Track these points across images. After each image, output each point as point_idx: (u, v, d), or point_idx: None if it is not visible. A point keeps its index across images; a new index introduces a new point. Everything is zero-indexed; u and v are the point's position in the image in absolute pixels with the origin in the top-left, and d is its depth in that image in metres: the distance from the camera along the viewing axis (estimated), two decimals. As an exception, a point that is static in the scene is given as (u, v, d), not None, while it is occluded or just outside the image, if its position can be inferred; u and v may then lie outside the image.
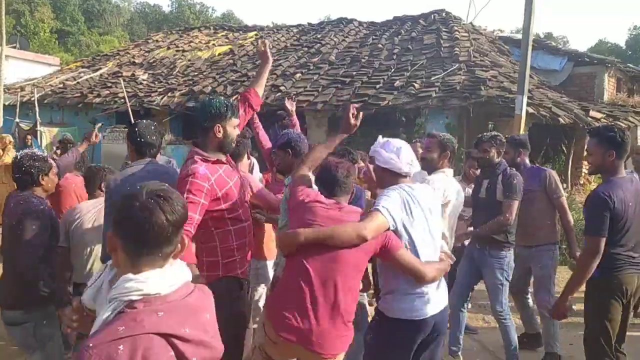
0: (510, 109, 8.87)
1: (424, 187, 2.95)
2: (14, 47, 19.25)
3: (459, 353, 4.47)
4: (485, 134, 4.55)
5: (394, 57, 11.91)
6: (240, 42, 16.08)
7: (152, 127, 3.21)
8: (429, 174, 3.77)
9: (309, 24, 16.82)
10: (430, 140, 3.84)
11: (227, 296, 2.69)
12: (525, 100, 8.81)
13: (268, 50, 3.41)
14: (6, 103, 13.45)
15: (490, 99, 8.96)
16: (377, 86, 10.30)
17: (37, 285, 3.01)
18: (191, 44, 16.78)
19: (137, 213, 1.40)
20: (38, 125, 12.33)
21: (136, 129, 3.17)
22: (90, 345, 1.29)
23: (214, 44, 16.24)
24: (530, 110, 9.08)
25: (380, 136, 2.98)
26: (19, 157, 3.36)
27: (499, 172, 4.29)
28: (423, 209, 2.72)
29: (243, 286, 2.87)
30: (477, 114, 9.10)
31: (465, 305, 4.60)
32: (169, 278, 1.43)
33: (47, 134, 12.24)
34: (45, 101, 13.39)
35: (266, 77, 3.47)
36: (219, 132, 2.79)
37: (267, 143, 4.67)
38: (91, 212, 3.83)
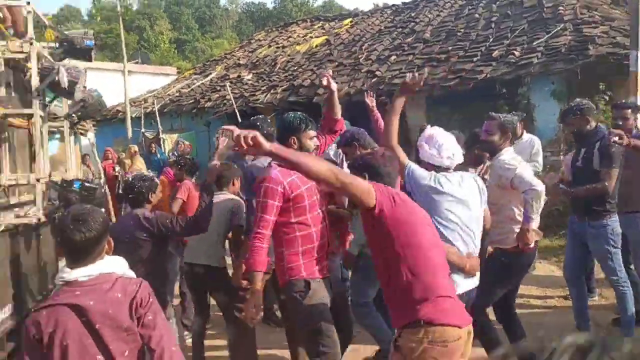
0: (625, 67, 8.15)
1: (467, 178, 3.05)
2: (137, 63, 21.11)
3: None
4: (574, 103, 4.37)
5: (492, 25, 11.37)
6: (336, 30, 16.26)
7: (267, 122, 3.98)
8: (491, 156, 3.77)
9: (403, 3, 16.53)
10: (489, 123, 3.77)
11: (294, 298, 2.99)
12: (640, 55, 8.05)
13: (331, 82, 3.50)
14: (132, 115, 14.91)
15: (601, 58, 8.30)
16: (475, 59, 9.94)
17: None
18: (290, 39, 17.28)
19: (63, 233, 2.06)
20: (160, 133, 13.53)
21: (258, 124, 3.81)
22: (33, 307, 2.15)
23: (311, 37, 16.59)
24: (649, 65, 8.27)
25: (428, 126, 3.05)
26: (130, 179, 3.85)
27: (597, 140, 4.15)
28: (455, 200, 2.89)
29: (310, 285, 3.00)
30: (588, 76, 8.45)
31: (584, 281, 4.48)
32: (87, 271, 2.06)
33: (169, 140, 13.38)
34: (165, 110, 14.61)
35: (337, 102, 3.60)
36: (294, 143, 3.08)
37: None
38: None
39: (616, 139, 3.72)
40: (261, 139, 1.93)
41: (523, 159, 5.99)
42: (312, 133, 3.16)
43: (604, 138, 4.13)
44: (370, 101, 5.01)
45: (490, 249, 3.78)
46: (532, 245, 3.57)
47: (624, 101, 4.81)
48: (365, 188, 2.30)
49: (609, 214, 4.19)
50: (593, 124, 4.25)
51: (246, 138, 1.90)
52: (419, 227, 2.40)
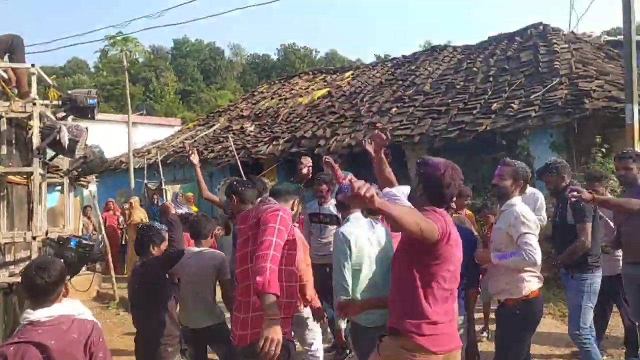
0: (621, 120, 8.25)
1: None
2: (141, 114, 21.49)
3: None
4: (550, 162, 4.60)
5: (490, 79, 11.58)
6: (338, 83, 16.58)
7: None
8: (500, 201, 3.81)
9: (403, 56, 16.91)
10: (503, 169, 3.78)
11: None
12: (636, 108, 8.13)
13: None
14: (136, 166, 15.05)
15: (597, 112, 8.40)
16: (474, 111, 10.07)
17: None
18: (292, 91, 17.61)
19: (27, 279, 2.47)
20: (163, 185, 13.59)
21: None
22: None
23: (313, 89, 16.90)
24: (645, 118, 8.37)
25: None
26: (140, 226, 3.94)
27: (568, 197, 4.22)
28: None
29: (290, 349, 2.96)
30: (585, 129, 8.54)
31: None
32: (48, 312, 2.43)
33: (171, 191, 13.43)
34: (168, 161, 14.74)
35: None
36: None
37: None
38: None
39: (574, 193, 3.81)
40: (375, 194, 2.10)
41: None
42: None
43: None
44: (370, 147, 5.04)
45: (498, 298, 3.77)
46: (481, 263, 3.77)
47: (625, 151, 4.87)
48: (434, 231, 2.51)
49: (591, 268, 4.26)
50: (567, 180, 4.40)
51: (366, 191, 2.06)
52: (451, 265, 2.66)
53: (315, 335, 4.33)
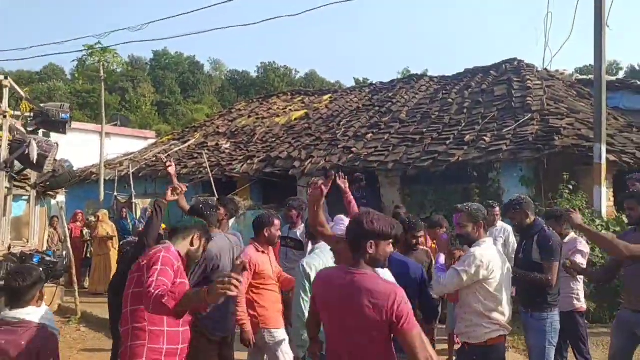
0: (589, 158, 8.50)
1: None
2: (116, 125, 21.23)
3: None
4: (514, 198, 4.67)
5: (465, 111, 11.82)
6: (316, 105, 16.69)
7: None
8: (469, 246, 3.80)
9: (381, 83, 17.16)
10: (458, 216, 3.85)
11: None
12: (604, 147, 8.42)
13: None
14: (107, 178, 14.78)
15: (566, 149, 8.63)
16: (448, 142, 10.25)
17: None
18: (270, 110, 17.65)
19: (6, 281, 2.92)
20: (133, 198, 13.37)
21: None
22: None
23: (290, 109, 16.98)
24: (612, 157, 8.64)
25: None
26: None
27: (535, 232, 4.36)
28: None
29: None
30: (554, 165, 8.76)
31: None
32: (17, 314, 2.81)
33: (140, 205, 13.23)
34: (140, 174, 14.52)
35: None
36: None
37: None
38: None
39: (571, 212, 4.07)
40: None
41: (497, 246, 6.19)
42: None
43: (542, 230, 4.40)
44: (343, 183, 5.01)
45: (457, 339, 3.79)
46: None
47: (630, 191, 5.04)
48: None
49: (550, 307, 4.29)
50: (532, 217, 4.48)
51: None
52: None
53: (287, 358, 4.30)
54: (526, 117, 10.04)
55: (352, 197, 5.14)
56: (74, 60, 14.60)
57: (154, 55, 61.60)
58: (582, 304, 5.12)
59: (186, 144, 16.37)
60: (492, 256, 3.69)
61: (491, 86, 12.87)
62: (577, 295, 5.07)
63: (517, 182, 8.96)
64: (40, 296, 2.93)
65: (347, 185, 5.06)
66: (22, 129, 4.23)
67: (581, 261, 4.90)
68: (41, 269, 3.91)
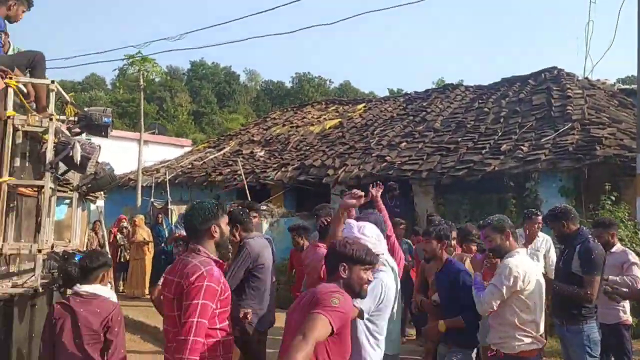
0: (632, 168, 8.24)
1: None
2: (153, 133, 21.70)
3: None
4: (555, 207, 4.60)
5: (501, 120, 11.64)
6: (350, 114, 16.72)
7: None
8: (502, 259, 3.71)
9: (415, 92, 17.08)
10: (484, 231, 3.84)
11: None
12: (646, 158, 8.15)
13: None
14: (144, 184, 15.12)
15: (608, 159, 8.39)
16: (483, 151, 10.10)
17: None
18: (304, 119, 17.76)
19: (80, 263, 3.63)
20: (169, 204, 13.63)
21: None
22: None
23: (325, 118, 17.05)
24: (656, 168, 8.35)
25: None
26: None
27: (578, 243, 4.24)
28: None
29: None
30: (595, 175, 8.54)
31: None
32: (87, 288, 3.49)
33: (176, 211, 13.46)
34: (176, 181, 14.80)
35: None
36: (215, 231, 2.88)
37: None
38: None
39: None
40: None
41: (539, 256, 6.07)
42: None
43: (586, 241, 4.25)
44: (376, 191, 4.99)
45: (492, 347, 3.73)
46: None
47: None
48: None
49: (585, 319, 4.16)
50: (572, 227, 4.36)
51: None
52: None
53: None
54: (566, 127, 9.82)
55: (382, 205, 5.08)
56: (115, 70, 15.04)
57: (191, 66, 62.90)
58: (627, 317, 4.94)
59: (221, 152, 16.60)
60: (527, 267, 3.65)
61: (529, 95, 12.65)
62: (623, 307, 4.90)
63: (556, 192, 8.75)
64: (105, 277, 3.62)
65: (379, 193, 5.02)
66: (67, 132, 4.37)
67: (638, 273, 4.73)
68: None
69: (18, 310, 4.08)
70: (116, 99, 46.23)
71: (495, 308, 3.63)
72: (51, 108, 4.08)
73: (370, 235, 3.13)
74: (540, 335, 3.68)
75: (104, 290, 3.59)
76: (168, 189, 13.98)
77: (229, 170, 14.19)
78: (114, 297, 3.63)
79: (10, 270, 4.09)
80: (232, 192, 13.35)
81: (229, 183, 13.48)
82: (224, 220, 2.92)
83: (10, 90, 3.89)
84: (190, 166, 15.79)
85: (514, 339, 3.59)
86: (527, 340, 3.58)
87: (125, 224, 12.01)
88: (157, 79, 18.03)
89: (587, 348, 4.11)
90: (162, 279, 2.95)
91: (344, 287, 2.59)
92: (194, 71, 62.55)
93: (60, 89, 4.30)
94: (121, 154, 17.86)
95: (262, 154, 15.09)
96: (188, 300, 2.59)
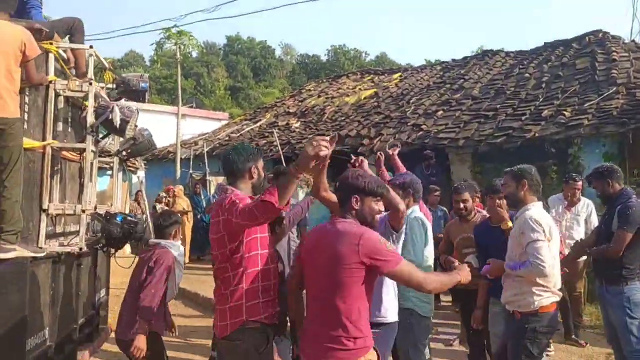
0: (680, 133, 7.92)
1: None
2: (191, 107, 21.99)
3: None
4: (596, 167, 4.52)
5: (543, 85, 11.30)
6: (385, 84, 16.52)
7: None
8: (517, 209, 3.66)
9: (453, 60, 16.69)
10: (504, 177, 3.75)
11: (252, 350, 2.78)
12: (696, 122, 7.81)
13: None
14: (182, 156, 15.42)
15: (654, 123, 8.08)
16: (523, 117, 9.85)
17: None
18: (339, 90, 17.65)
19: (154, 222, 4.55)
20: (207, 175, 13.88)
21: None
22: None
23: (360, 89, 16.90)
24: None
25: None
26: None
27: (619, 203, 4.15)
28: None
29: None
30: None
31: None
32: (153, 241, 4.23)
33: (214, 182, 13.71)
34: (214, 153, 15.01)
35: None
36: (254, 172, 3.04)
37: None
38: None
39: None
40: None
41: (579, 221, 5.95)
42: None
43: (628, 200, 4.17)
44: (392, 151, 5.00)
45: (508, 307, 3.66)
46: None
47: None
48: None
49: (626, 280, 4.09)
50: (617, 186, 4.28)
51: None
52: None
53: None
54: (611, 91, 9.46)
55: (400, 165, 5.03)
56: (152, 44, 15.22)
57: (227, 41, 63.06)
58: None
59: (257, 124, 16.72)
60: (548, 219, 3.57)
61: (573, 59, 12.21)
62: None
63: (599, 158, 8.47)
64: (177, 233, 4.28)
65: (396, 153, 5.01)
66: (106, 97, 4.49)
67: None
68: (116, 229, 4.23)
69: (65, 269, 4.27)
70: (154, 75, 46.93)
71: (550, 265, 3.40)
72: (90, 73, 4.18)
73: None
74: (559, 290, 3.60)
75: (174, 245, 4.16)
76: (206, 160, 14.20)
77: (265, 141, 14.29)
78: (176, 250, 4.14)
79: (57, 231, 4.26)
80: (268, 162, 13.44)
81: (265, 154, 13.59)
82: (260, 163, 3.07)
83: (51, 56, 4.00)
84: (227, 138, 15.98)
85: (531, 294, 3.46)
86: (545, 294, 3.46)
87: (163, 194, 12.31)
88: (193, 54, 18.16)
89: (627, 309, 4.04)
90: None
91: (356, 218, 2.66)
92: (229, 46, 62.72)
93: (99, 55, 4.40)
94: (160, 127, 18.17)
95: (297, 125, 15.13)
96: (232, 206, 2.73)
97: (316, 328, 2.59)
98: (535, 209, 3.56)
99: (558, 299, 3.55)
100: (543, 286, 3.46)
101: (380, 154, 4.70)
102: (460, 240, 4.74)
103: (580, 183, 6.25)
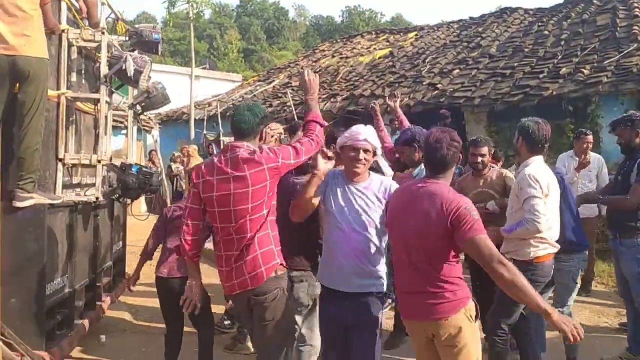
0: (702, 90, 7.73)
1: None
2: (204, 68, 21.84)
3: None
4: (623, 115, 4.31)
5: (562, 43, 11.02)
6: (401, 43, 16.24)
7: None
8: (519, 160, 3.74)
9: (470, 18, 16.31)
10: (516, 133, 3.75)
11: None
12: None
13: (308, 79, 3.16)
14: (197, 117, 15.44)
15: (675, 80, 7.89)
16: (541, 75, 9.67)
17: None
18: (354, 50, 17.40)
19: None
20: (221, 136, 13.91)
21: None
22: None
23: (374, 48, 16.64)
24: None
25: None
26: None
27: (639, 156, 4.05)
28: None
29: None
30: (660, 98, 8.07)
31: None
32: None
33: (227, 143, 13.75)
34: (228, 114, 14.98)
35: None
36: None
37: (387, 141, 4.84)
38: None
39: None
40: None
41: (591, 177, 5.89)
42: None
43: None
44: (393, 102, 5.12)
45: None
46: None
47: None
48: None
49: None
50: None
51: None
52: None
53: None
54: (631, 48, 9.21)
55: (402, 116, 5.05)
56: (164, 1, 14.99)
57: (240, 2, 62.16)
58: None
59: (271, 85, 16.61)
60: (545, 174, 3.53)
61: (593, 16, 11.87)
62: None
63: (618, 116, 8.33)
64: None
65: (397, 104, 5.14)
66: (119, 47, 4.47)
67: None
68: (131, 179, 4.25)
69: (82, 219, 4.35)
70: (167, 37, 46.57)
71: (544, 219, 3.44)
72: (102, 22, 4.17)
73: None
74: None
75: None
76: (220, 121, 14.22)
77: (278, 102, 14.24)
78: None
79: (73, 182, 4.32)
80: (281, 122, 13.40)
81: (278, 115, 13.54)
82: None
83: (63, 5, 3.98)
84: (240, 99, 15.91)
85: (528, 245, 3.52)
86: (542, 246, 3.51)
87: (178, 154, 12.38)
88: (206, 14, 17.93)
89: None
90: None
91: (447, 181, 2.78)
92: (242, 7, 61.87)
93: (111, 5, 4.37)
94: (173, 88, 18.09)
95: (311, 85, 14.99)
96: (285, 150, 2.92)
97: (413, 287, 2.68)
98: (534, 165, 3.55)
99: (555, 250, 3.59)
100: (541, 238, 3.50)
101: (374, 103, 4.69)
102: (474, 195, 4.73)
103: (590, 137, 6.15)
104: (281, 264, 2.88)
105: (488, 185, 4.49)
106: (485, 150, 4.59)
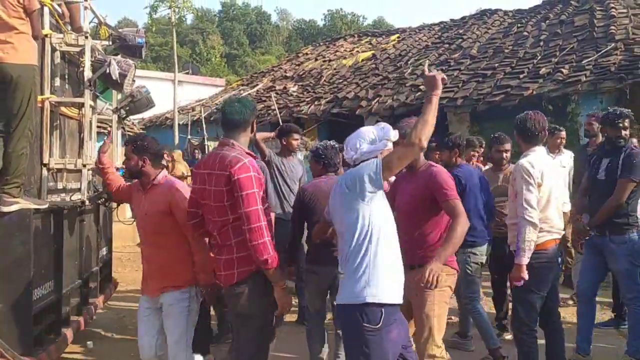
0: (678, 88, 7.91)
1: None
2: (187, 73, 21.79)
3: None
4: (615, 110, 4.31)
5: (541, 43, 11.22)
6: (383, 46, 16.37)
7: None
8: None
9: (451, 20, 16.51)
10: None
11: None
12: (693, 76, 7.80)
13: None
14: (180, 122, 15.39)
15: (651, 78, 8.06)
16: (521, 76, 9.83)
17: None
18: (337, 53, 17.50)
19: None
20: (205, 141, 13.87)
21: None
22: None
23: (357, 51, 16.75)
24: (703, 87, 7.99)
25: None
26: None
27: (623, 152, 4.06)
28: None
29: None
30: (638, 96, 8.22)
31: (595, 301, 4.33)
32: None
33: (212, 147, 13.72)
34: (212, 118, 14.95)
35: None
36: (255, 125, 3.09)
37: None
38: None
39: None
40: None
41: (566, 180, 5.98)
42: None
43: (631, 149, 4.11)
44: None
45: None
46: (521, 282, 3.49)
47: None
48: None
49: (630, 228, 4.05)
50: (628, 134, 4.16)
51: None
52: None
53: None
54: (609, 47, 9.40)
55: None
56: (146, 7, 14.90)
57: (222, 7, 62.02)
58: None
59: (254, 89, 16.62)
60: (540, 163, 3.57)
61: (571, 17, 12.10)
62: None
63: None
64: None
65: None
66: (102, 51, 4.47)
67: None
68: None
69: (68, 224, 4.33)
70: (149, 43, 46.30)
71: (536, 207, 3.49)
72: (86, 26, 4.17)
73: None
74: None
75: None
76: (204, 126, 14.17)
77: (262, 106, 14.22)
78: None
79: (58, 187, 4.31)
80: (265, 126, 13.43)
81: (262, 118, 13.54)
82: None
83: (46, 10, 3.97)
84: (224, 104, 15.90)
85: None
86: (541, 233, 3.52)
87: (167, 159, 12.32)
88: (188, 19, 17.88)
89: (631, 258, 4.03)
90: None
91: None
92: (225, 12, 61.72)
93: (94, 9, 4.37)
94: (157, 94, 18.03)
95: (295, 89, 15.05)
96: (243, 191, 2.73)
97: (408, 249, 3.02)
98: (530, 156, 3.61)
99: (556, 237, 3.63)
100: (541, 227, 3.54)
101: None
102: (494, 189, 4.83)
103: (563, 133, 6.26)
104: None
105: (507, 180, 4.57)
106: (508, 146, 4.83)
